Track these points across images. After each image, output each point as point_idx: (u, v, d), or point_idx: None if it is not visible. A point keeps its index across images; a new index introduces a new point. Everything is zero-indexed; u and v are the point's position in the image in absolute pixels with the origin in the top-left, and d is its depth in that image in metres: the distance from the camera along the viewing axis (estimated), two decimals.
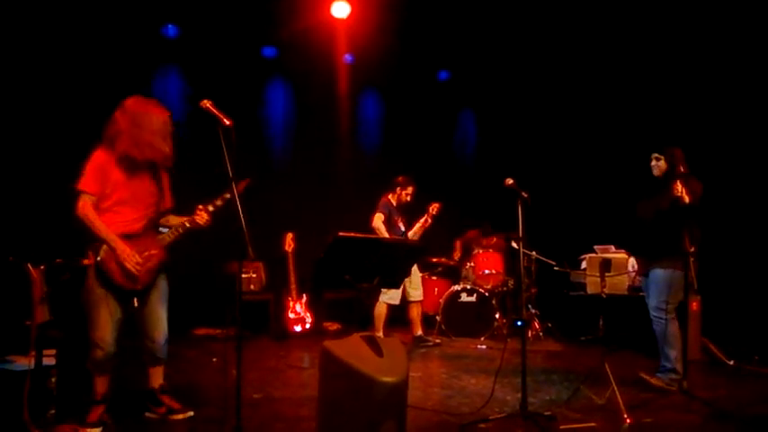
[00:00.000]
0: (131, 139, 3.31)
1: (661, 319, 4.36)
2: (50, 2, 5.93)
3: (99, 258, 3.28)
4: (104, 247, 3.30)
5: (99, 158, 3.34)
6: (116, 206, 3.38)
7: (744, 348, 5.43)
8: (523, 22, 7.21)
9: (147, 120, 3.35)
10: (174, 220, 3.59)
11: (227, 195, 3.41)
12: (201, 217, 3.47)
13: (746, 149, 6.30)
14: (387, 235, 5.98)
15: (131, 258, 3.32)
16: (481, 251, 7.21)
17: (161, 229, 3.58)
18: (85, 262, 3.33)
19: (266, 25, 7.13)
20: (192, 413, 3.63)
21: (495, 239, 7.49)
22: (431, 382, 4.79)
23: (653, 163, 4.53)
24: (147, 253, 3.41)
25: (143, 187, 3.46)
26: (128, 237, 3.36)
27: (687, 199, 4.09)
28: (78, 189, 3.31)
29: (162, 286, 3.57)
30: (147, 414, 3.64)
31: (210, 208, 3.49)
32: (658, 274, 4.38)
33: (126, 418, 3.57)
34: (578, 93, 7.87)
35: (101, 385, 3.45)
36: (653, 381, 4.37)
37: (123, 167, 3.37)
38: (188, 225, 3.49)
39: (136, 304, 3.45)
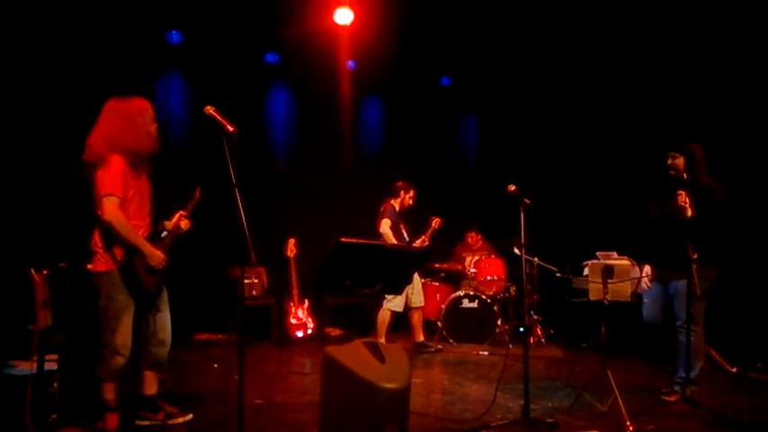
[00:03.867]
0: (135, 134, 3.30)
1: (696, 331, 4.14)
2: (55, 7, 5.96)
3: (128, 261, 3.25)
4: (137, 251, 3.28)
5: (118, 163, 3.24)
6: (131, 211, 3.33)
7: (747, 355, 5.41)
8: (525, 27, 7.23)
9: (142, 111, 3.38)
10: (167, 224, 3.57)
11: (191, 203, 3.56)
12: (186, 223, 3.54)
13: (750, 154, 6.29)
14: (395, 241, 5.95)
15: (160, 258, 3.35)
16: (481, 257, 7.21)
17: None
18: (103, 268, 3.25)
19: (269, 31, 7.15)
20: (191, 416, 3.61)
21: (480, 242, 7.52)
22: (433, 388, 4.78)
23: (669, 162, 4.27)
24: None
25: (146, 190, 3.47)
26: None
27: (689, 213, 3.95)
28: (105, 193, 3.20)
29: (165, 289, 3.59)
30: (139, 422, 3.52)
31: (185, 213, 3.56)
32: (694, 283, 4.08)
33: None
34: (581, 98, 7.87)
35: (109, 392, 3.34)
36: (689, 393, 4.13)
37: (132, 171, 3.32)
38: (182, 229, 3.54)
39: (159, 309, 3.48)
